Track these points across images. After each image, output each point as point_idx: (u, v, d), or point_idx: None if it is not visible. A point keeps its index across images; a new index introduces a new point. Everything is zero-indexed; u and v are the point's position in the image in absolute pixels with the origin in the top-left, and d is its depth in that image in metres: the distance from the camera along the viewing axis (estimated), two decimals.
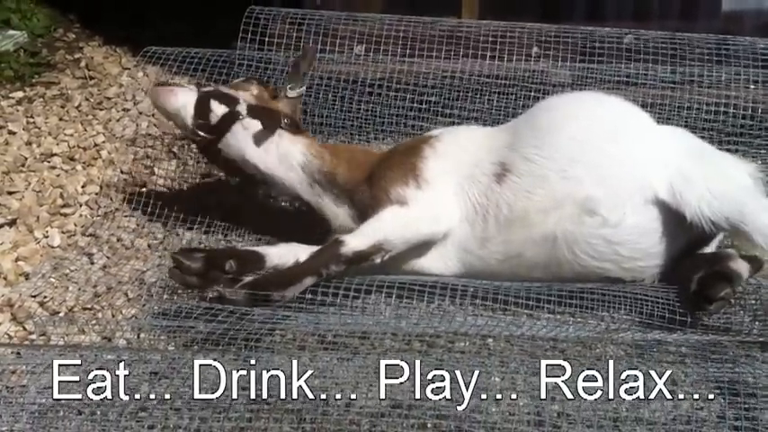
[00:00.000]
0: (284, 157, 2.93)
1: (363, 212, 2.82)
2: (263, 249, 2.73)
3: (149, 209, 3.28)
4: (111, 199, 3.43)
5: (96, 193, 3.48)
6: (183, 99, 2.92)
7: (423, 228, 2.72)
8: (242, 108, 2.92)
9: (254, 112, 2.93)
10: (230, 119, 2.91)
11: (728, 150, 3.28)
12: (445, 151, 2.83)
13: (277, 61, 3.52)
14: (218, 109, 2.91)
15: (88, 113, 4.02)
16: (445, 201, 2.76)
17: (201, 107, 2.91)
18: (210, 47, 3.65)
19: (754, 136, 3.35)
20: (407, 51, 3.51)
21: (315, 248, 2.78)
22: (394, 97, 3.55)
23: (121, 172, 3.58)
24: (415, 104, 3.52)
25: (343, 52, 3.52)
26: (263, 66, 3.57)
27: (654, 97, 3.36)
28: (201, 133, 2.92)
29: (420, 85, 3.52)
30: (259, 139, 2.92)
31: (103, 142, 3.80)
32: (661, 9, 3.98)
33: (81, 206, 3.42)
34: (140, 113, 3.96)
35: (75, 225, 3.30)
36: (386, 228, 2.67)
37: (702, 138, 2.98)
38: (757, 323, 2.64)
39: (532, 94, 3.47)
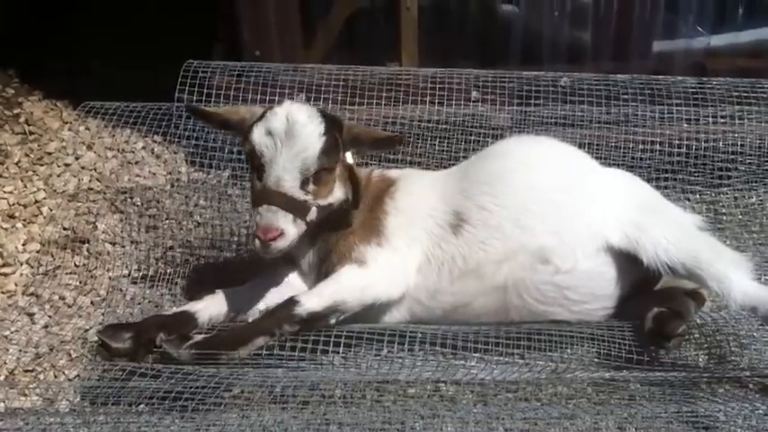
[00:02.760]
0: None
1: (320, 257, 2.80)
2: (191, 307, 2.67)
3: (92, 265, 3.23)
4: (53, 256, 3.36)
5: (37, 251, 3.41)
6: (291, 238, 2.53)
7: (380, 292, 2.68)
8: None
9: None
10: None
11: (665, 187, 3.37)
12: (404, 204, 2.82)
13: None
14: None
15: (28, 169, 3.95)
16: (403, 261, 2.74)
17: (310, 228, 2.64)
18: (153, 98, 3.64)
19: (689, 173, 3.44)
20: (348, 99, 3.53)
21: (244, 289, 2.77)
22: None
23: (63, 228, 3.51)
24: None
25: (283, 102, 3.52)
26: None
27: (590, 137, 3.44)
28: None
29: None
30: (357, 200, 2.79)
31: (44, 198, 3.73)
32: (594, 51, 4.08)
33: (21, 265, 3.35)
34: (82, 168, 3.91)
35: (16, 284, 3.23)
36: (343, 291, 2.62)
37: (639, 175, 3.05)
38: (703, 357, 2.70)
39: (473, 137, 3.52)
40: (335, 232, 2.78)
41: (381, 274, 2.69)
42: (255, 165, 2.58)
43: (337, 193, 2.69)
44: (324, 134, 2.54)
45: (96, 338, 2.54)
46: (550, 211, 2.67)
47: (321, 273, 2.76)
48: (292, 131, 2.51)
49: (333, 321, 2.61)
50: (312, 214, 2.58)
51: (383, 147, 2.90)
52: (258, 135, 2.54)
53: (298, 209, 2.52)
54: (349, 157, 2.77)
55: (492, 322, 2.71)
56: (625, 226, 2.64)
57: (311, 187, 2.57)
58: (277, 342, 2.56)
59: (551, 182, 2.74)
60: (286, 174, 2.50)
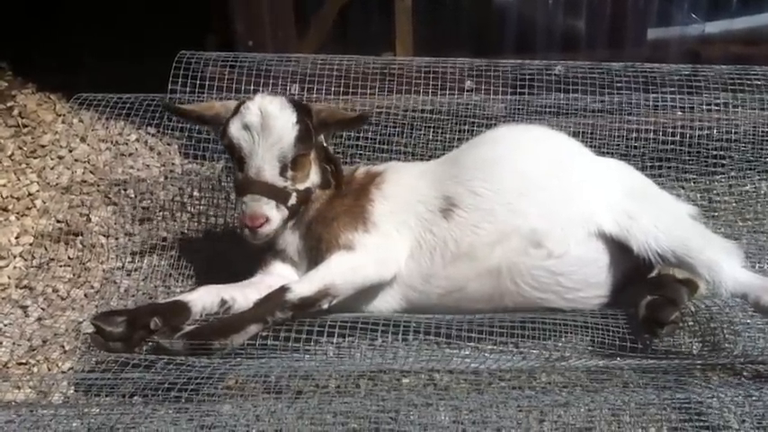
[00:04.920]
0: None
1: (309, 249, 2.83)
2: (184, 297, 2.66)
3: (85, 257, 3.22)
4: (46, 249, 3.36)
5: (30, 244, 3.41)
6: (275, 224, 2.71)
7: (370, 273, 2.71)
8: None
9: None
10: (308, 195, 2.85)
11: (659, 175, 3.37)
12: (391, 192, 2.85)
13: None
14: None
15: (21, 162, 3.94)
16: (392, 244, 2.77)
17: (294, 214, 2.79)
18: (148, 90, 3.63)
19: (683, 160, 3.44)
20: (342, 89, 3.52)
21: (235, 285, 2.77)
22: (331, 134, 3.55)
23: (57, 221, 3.51)
24: (351, 141, 3.52)
25: (277, 93, 3.52)
26: None
27: (584, 126, 3.43)
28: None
29: None
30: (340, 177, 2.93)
31: (38, 191, 3.73)
32: (588, 39, 4.07)
33: (15, 258, 3.35)
34: (76, 160, 3.90)
35: (9, 277, 3.23)
36: (333, 273, 2.64)
37: (632, 164, 3.05)
38: (697, 344, 2.70)
39: (467, 127, 3.52)
40: (320, 222, 2.82)
41: (370, 256, 2.72)
42: (236, 157, 2.73)
43: (313, 177, 2.84)
44: (297, 123, 2.68)
45: (91, 325, 2.54)
46: (542, 195, 2.68)
47: (312, 264, 2.78)
48: (267, 123, 2.66)
49: (325, 306, 2.62)
50: (293, 199, 2.74)
51: (349, 127, 2.98)
52: (235, 129, 2.69)
53: (279, 195, 2.69)
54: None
55: (487, 309, 2.71)
56: (616, 213, 2.64)
57: (290, 173, 2.72)
58: (271, 332, 2.56)
59: (544, 167, 2.75)
60: (265, 164, 2.66)
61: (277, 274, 2.86)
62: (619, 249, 2.66)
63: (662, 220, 2.62)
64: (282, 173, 2.69)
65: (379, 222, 2.78)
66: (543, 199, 2.68)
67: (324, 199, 2.88)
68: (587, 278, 2.69)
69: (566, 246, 2.63)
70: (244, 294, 2.72)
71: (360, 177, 2.98)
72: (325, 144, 2.90)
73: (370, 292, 2.77)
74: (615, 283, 2.73)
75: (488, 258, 2.67)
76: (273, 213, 2.68)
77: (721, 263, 2.50)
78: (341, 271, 2.66)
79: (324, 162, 2.89)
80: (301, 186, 2.77)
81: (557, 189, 2.70)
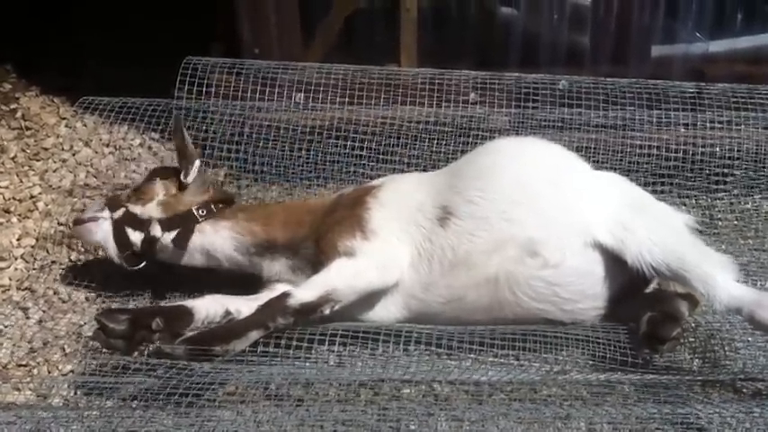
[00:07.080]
0: (215, 249, 2.96)
1: (309, 265, 2.83)
2: (189, 303, 2.68)
3: (87, 260, 3.22)
4: (48, 251, 3.36)
5: (32, 246, 3.41)
6: (101, 233, 2.97)
7: (372, 278, 2.70)
8: (155, 229, 2.94)
9: (167, 225, 2.96)
10: (150, 242, 2.95)
11: (661, 192, 3.38)
12: (388, 200, 2.85)
13: (215, 110, 3.51)
14: (135, 235, 2.95)
15: (24, 164, 3.94)
16: (393, 249, 2.76)
17: (120, 239, 2.95)
18: (151, 95, 3.64)
19: (686, 177, 3.45)
20: (347, 99, 3.53)
21: (241, 297, 2.79)
22: (334, 144, 3.58)
23: (59, 224, 3.51)
24: (354, 151, 3.53)
25: (282, 101, 3.53)
26: (201, 115, 3.56)
27: (588, 141, 3.44)
28: (133, 266, 2.98)
29: (360, 132, 3.54)
30: (183, 245, 2.95)
31: (40, 194, 3.72)
32: (593, 55, 4.08)
33: (16, 260, 3.34)
34: (78, 164, 3.90)
35: (10, 279, 3.23)
36: (334, 279, 2.64)
37: (635, 180, 3.06)
38: (697, 360, 2.70)
39: (470, 139, 3.52)
40: (316, 237, 2.83)
41: (372, 261, 2.72)
42: None
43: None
44: None
45: (91, 328, 2.54)
46: (538, 205, 2.68)
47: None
48: None
49: (327, 312, 2.62)
50: None
51: None
52: None
53: None
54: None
55: (488, 320, 2.72)
56: (612, 224, 2.64)
57: None
58: (272, 340, 2.56)
59: (540, 177, 2.75)
60: None
61: (282, 289, 2.85)
62: (615, 261, 2.66)
63: (657, 232, 2.61)
64: None
65: (378, 229, 2.78)
66: (539, 208, 2.68)
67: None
68: (584, 289, 2.69)
69: (561, 255, 2.63)
70: (249, 308, 2.71)
71: (353, 191, 3.01)
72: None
73: (371, 299, 2.77)
74: (613, 296, 2.73)
75: (486, 267, 2.67)
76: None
77: (716, 276, 2.49)
78: (342, 277, 2.66)
79: None
80: None
81: (553, 199, 2.70)
